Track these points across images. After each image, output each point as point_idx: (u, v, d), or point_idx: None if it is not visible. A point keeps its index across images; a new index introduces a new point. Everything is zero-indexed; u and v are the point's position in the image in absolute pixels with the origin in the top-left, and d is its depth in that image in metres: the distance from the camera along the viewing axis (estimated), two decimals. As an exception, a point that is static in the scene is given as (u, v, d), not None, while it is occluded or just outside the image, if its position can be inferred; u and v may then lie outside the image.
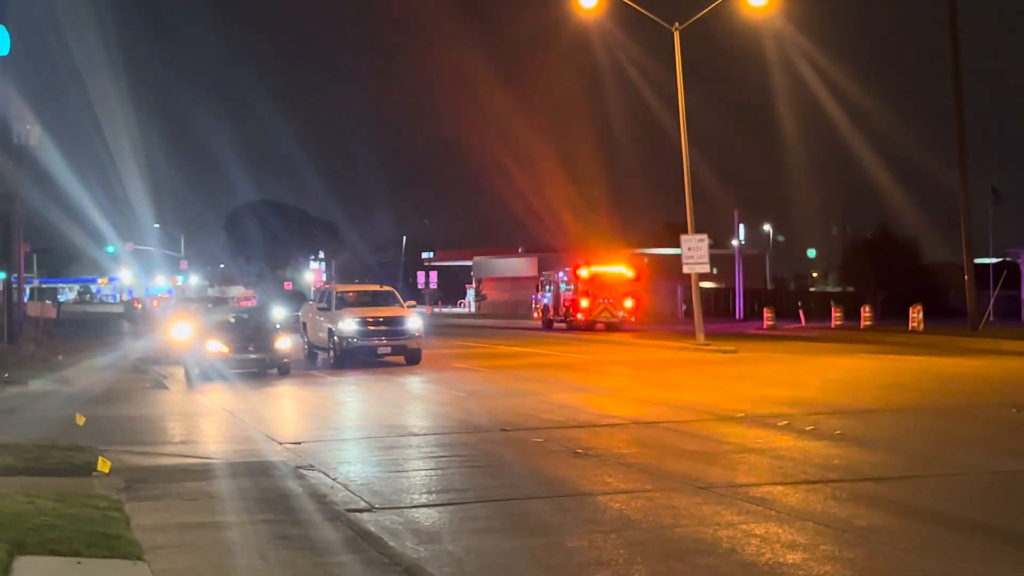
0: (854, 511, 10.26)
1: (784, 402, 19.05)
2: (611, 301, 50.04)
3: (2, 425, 15.71)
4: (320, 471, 12.76)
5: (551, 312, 54.02)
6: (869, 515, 10.09)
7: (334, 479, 12.30)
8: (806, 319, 52.46)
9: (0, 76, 30.86)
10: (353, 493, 11.45)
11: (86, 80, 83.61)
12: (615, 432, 15.92)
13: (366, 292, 32.29)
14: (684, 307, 62.93)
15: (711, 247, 38.27)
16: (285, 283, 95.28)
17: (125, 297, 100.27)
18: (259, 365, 26.36)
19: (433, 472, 13.02)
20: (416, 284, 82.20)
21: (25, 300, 43.79)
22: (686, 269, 37.17)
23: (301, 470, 12.70)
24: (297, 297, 56.77)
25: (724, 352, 32.81)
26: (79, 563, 8.02)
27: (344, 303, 30.22)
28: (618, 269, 51.48)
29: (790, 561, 8.54)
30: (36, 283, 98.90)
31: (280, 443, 15.15)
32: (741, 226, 67.66)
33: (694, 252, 36.65)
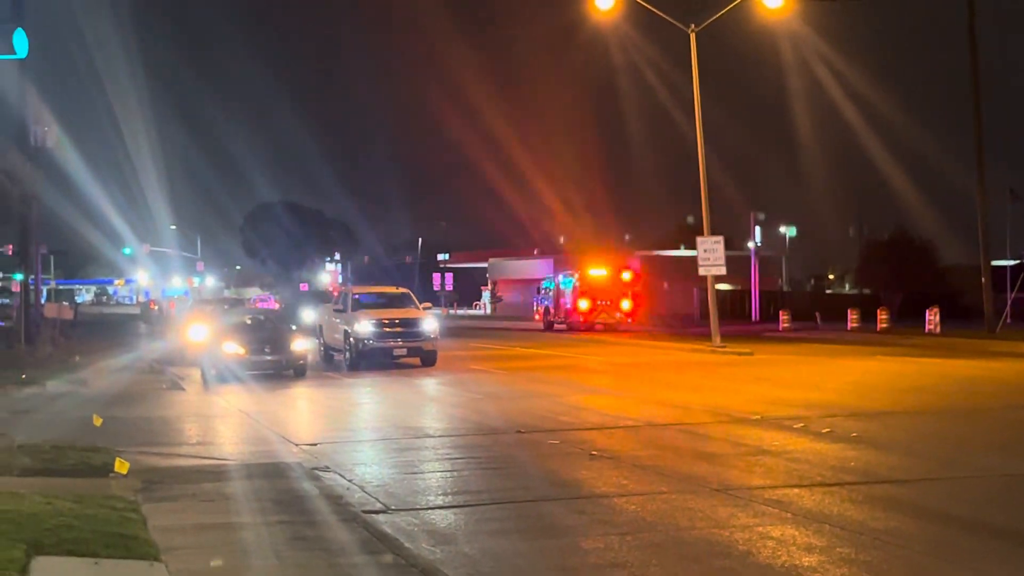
0: (870, 513, 10.24)
1: (800, 404, 18.99)
2: (609, 303, 50.52)
3: (20, 426, 15.77)
4: (336, 472, 12.79)
5: (551, 314, 54.22)
6: (886, 518, 10.07)
7: (350, 480, 12.32)
8: (822, 321, 52.37)
9: (18, 78, 31.05)
10: (369, 494, 11.47)
11: (105, 81, 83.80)
12: (630, 434, 15.91)
13: (382, 294, 32.41)
14: (700, 309, 62.82)
15: (726, 249, 38.16)
16: (301, 284, 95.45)
17: (142, 298, 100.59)
18: (275, 367, 26.43)
19: (449, 474, 13.03)
20: (432, 286, 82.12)
21: (42, 301, 43.95)
22: (702, 271, 37.02)
23: (317, 471, 12.72)
24: (321, 297, 56.86)
25: (740, 354, 32.73)
26: (96, 564, 8.06)
27: (360, 305, 30.31)
28: (616, 271, 51.83)
29: (806, 564, 8.52)
30: (53, 284, 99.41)
31: (296, 444, 15.18)
32: (757, 228, 67.42)
33: (710, 254, 36.50)
